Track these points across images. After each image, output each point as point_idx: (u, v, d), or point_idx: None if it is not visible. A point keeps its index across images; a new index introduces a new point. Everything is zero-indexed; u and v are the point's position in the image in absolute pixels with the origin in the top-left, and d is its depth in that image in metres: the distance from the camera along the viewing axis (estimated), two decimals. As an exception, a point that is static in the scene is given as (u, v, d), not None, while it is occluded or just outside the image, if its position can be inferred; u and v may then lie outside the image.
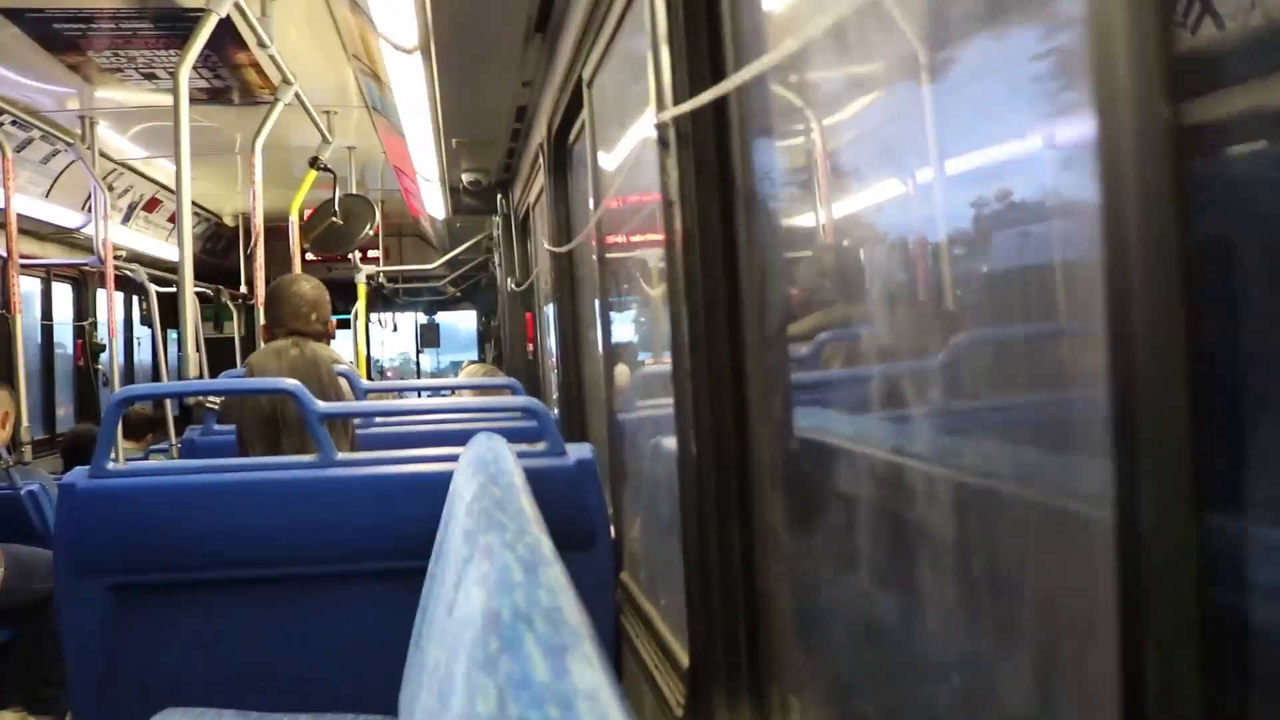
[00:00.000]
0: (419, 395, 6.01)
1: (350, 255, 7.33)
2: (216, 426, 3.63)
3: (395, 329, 12.92)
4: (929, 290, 1.22)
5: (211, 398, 3.56)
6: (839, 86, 1.42)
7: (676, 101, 1.65)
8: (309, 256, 6.75)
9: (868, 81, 1.35)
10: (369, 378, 9.28)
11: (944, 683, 1.15)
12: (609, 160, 2.74)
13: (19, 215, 5.18)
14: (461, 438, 2.32)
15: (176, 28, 4.38)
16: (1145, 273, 0.68)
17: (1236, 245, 0.75)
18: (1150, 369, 0.68)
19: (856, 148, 1.44)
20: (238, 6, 3.52)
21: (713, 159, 1.64)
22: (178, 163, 3.42)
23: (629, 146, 2.47)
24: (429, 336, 12.77)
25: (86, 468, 2.35)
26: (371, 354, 11.15)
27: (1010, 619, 1.02)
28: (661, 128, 1.71)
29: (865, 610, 1.36)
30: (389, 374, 12.91)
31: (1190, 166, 0.68)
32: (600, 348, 3.02)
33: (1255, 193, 0.75)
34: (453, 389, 5.00)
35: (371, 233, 6.33)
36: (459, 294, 12.01)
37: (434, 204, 6.96)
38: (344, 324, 9.89)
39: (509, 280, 6.21)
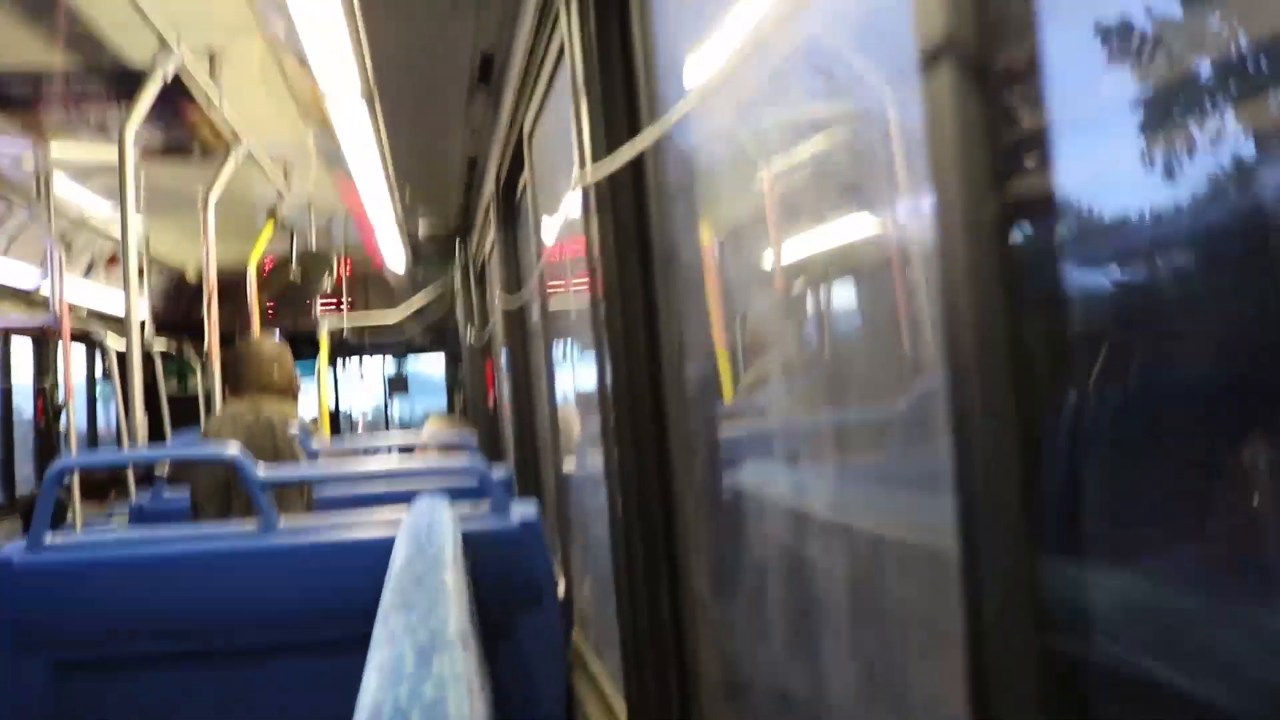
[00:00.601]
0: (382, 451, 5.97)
1: (312, 309, 7.30)
2: (165, 494, 3.58)
3: (362, 377, 12.82)
4: (812, 354, 1.23)
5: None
6: (737, 153, 1.43)
7: (596, 158, 1.66)
8: (269, 311, 6.72)
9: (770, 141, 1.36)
10: (334, 430, 9.21)
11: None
12: (548, 214, 2.74)
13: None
14: (414, 501, 2.30)
15: (126, 85, 4.37)
16: (977, 332, 0.70)
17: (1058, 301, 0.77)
18: (984, 421, 0.70)
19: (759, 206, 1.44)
20: (184, 67, 3.52)
21: (631, 219, 1.64)
22: (124, 220, 3.41)
23: (563, 201, 2.47)
24: (397, 385, 12.67)
25: (22, 542, 2.31)
26: (340, 405, 11.10)
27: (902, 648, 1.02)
28: (585, 190, 1.71)
29: (784, 669, 1.35)
30: (359, 426, 12.78)
31: (1012, 240, 0.70)
32: (546, 401, 3.01)
33: (1070, 263, 0.77)
34: (407, 449, 4.98)
35: (329, 288, 6.31)
36: (427, 342, 11.96)
37: (394, 256, 6.95)
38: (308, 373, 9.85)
39: (469, 330, 6.20)
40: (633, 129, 1.64)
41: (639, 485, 1.64)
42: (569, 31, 1.79)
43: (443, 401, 12.72)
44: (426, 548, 1.61)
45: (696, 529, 1.58)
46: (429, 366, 13.45)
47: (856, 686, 1.14)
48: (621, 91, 1.66)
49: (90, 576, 2.29)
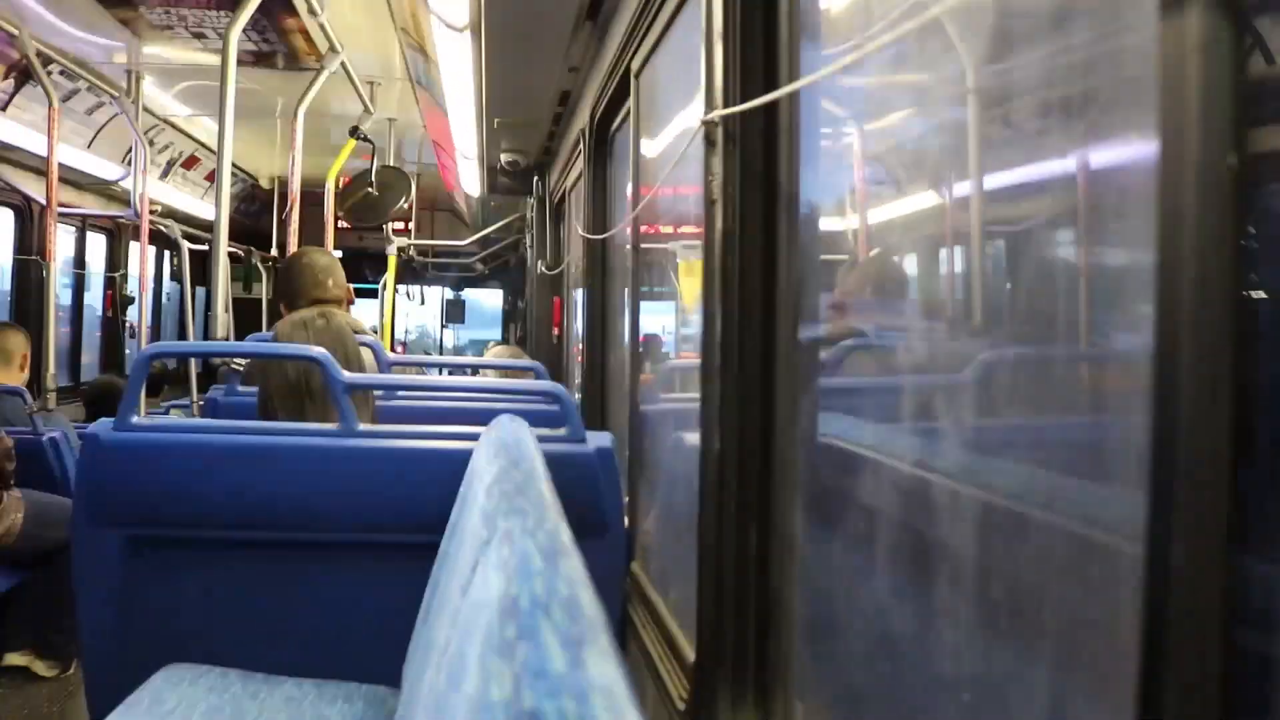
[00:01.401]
0: (441, 372, 6.03)
1: (382, 226, 7.35)
2: (240, 388, 3.64)
3: (423, 302, 12.95)
4: (964, 305, 1.22)
5: (237, 360, 3.58)
6: (888, 99, 1.42)
7: (727, 102, 1.65)
8: (341, 224, 6.78)
9: (918, 96, 1.35)
10: (391, 349, 9.31)
11: (955, 700, 1.15)
12: (652, 152, 2.73)
13: (60, 164, 5.22)
14: (482, 417, 2.33)
15: (227, -11, 4.42)
16: (1195, 306, 0.68)
17: None
18: (1193, 406, 0.68)
19: (900, 159, 1.43)
20: (291, -29, 3.53)
21: (759, 161, 1.64)
22: (221, 125, 3.44)
23: (672, 141, 2.46)
24: (454, 313, 12.78)
25: (111, 420, 2.37)
26: (396, 326, 11.20)
27: (1027, 641, 1.02)
28: (710, 126, 1.71)
29: (879, 623, 1.36)
30: (399, 349, 12.92)
31: (1249, 207, 0.68)
32: (627, 338, 3.02)
33: None
34: (477, 368, 5.01)
35: (406, 206, 6.34)
36: (487, 272, 12.04)
37: (470, 181, 6.97)
38: (371, 293, 9.95)
39: (539, 263, 6.22)
40: (769, 67, 1.63)
41: (740, 425, 1.65)
42: (706, -33, 1.77)
43: (495, 333, 12.81)
44: (520, 461, 1.64)
45: (793, 473, 1.60)
46: (483, 298, 13.54)
47: (960, 651, 1.15)
48: (760, 28, 1.65)
49: (172, 458, 2.35)
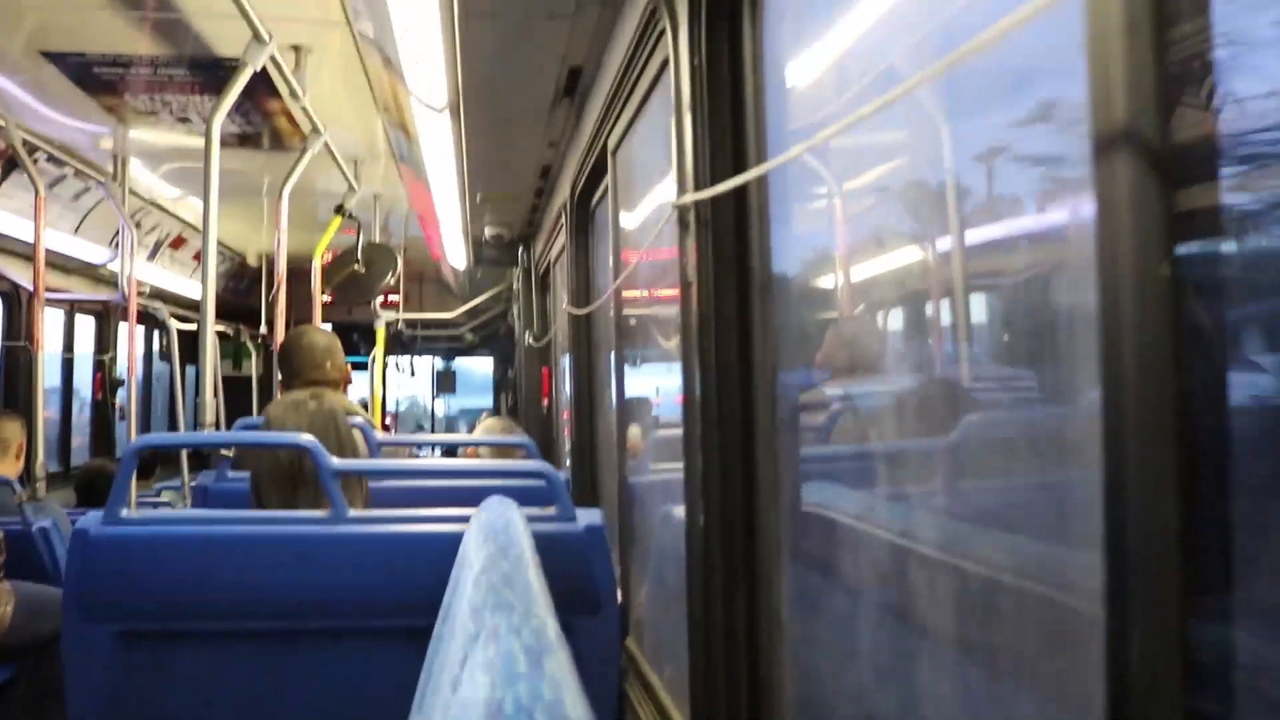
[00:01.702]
0: (433, 450, 6.04)
1: (370, 300, 7.39)
2: (230, 473, 3.64)
3: (413, 374, 12.95)
4: (934, 384, 1.24)
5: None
6: (860, 164, 1.45)
7: (698, 184, 1.68)
8: (328, 300, 6.81)
9: (889, 159, 1.38)
10: (383, 424, 9.29)
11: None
12: (630, 225, 2.77)
13: (47, 250, 5.25)
14: (475, 495, 2.33)
15: (212, 75, 4.47)
16: (1139, 365, 0.70)
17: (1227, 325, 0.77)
18: (1141, 469, 0.70)
19: (872, 225, 1.46)
20: (273, 59, 3.58)
21: (731, 243, 1.67)
22: (206, 206, 3.47)
23: (650, 213, 2.50)
24: (445, 383, 12.79)
25: (100, 513, 2.36)
26: (386, 399, 11.19)
27: (1008, 707, 1.03)
28: (683, 210, 1.74)
29: (867, 696, 1.36)
30: (390, 421, 12.87)
31: (1185, 257, 0.70)
32: (613, 410, 3.03)
33: (1247, 282, 0.78)
34: (466, 445, 5.02)
35: (393, 281, 6.38)
36: (477, 341, 12.07)
37: (456, 254, 7.02)
38: (361, 366, 9.96)
39: (527, 333, 6.25)
40: (738, 149, 1.67)
41: (722, 498, 1.67)
42: (675, 49, 1.81)
43: (487, 402, 12.80)
44: (508, 548, 1.64)
45: (779, 546, 1.61)
46: (474, 368, 13.55)
47: (943, 714, 1.16)
48: (728, 111, 1.69)
49: (163, 551, 2.35)
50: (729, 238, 1.66)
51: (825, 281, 1.62)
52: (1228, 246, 0.72)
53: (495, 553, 1.61)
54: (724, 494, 1.69)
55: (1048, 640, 0.98)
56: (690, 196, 1.68)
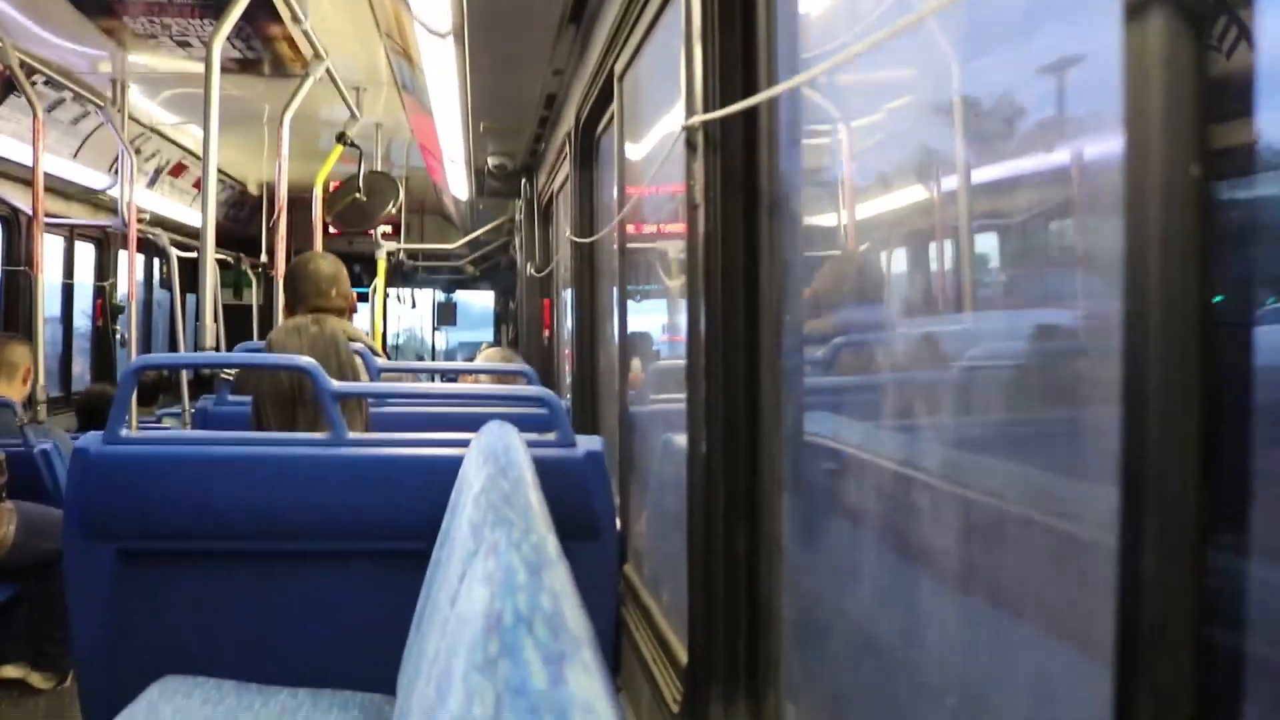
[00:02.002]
0: (433, 378, 6.04)
1: (371, 230, 7.35)
2: (231, 397, 3.64)
3: (414, 306, 12.92)
4: (946, 305, 1.23)
5: (227, 369, 3.57)
6: (869, 99, 1.42)
7: (707, 106, 1.66)
8: (330, 229, 6.76)
9: (898, 95, 1.36)
10: (385, 354, 9.28)
11: (942, 701, 1.16)
12: (636, 154, 2.74)
13: (46, 174, 5.21)
14: (474, 422, 2.33)
15: (210, -1, 4.41)
16: (1164, 296, 0.68)
17: (1255, 271, 0.76)
18: (1163, 398, 0.69)
19: (881, 159, 1.44)
20: (275, -20, 3.53)
21: (739, 165, 1.65)
22: (206, 133, 3.43)
23: (656, 143, 2.47)
24: (445, 315, 12.77)
25: (100, 432, 2.37)
26: (388, 333, 11.17)
27: (1009, 636, 1.03)
28: (690, 131, 1.71)
29: (866, 624, 1.37)
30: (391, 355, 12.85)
31: (1215, 193, 0.69)
32: (616, 339, 3.02)
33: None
34: (467, 372, 5.01)
35: (394, 210, 6.34)
36: (478, 274, 12.02)
37: (458, 185, 6.96)
38: (362, 298, 9.93)
39: (529, 265, 6.22)
40: (748, 71, 1.64)
41: (725, 427, 1.66)
42: (684, -31, 1.78)
43: (487, 335, 12.80)
44: (508, 469, 1.64)
45: (780, 473, 1.60)
46: (475, 300, 13.52)
47: (943, 644, 1.16)
48: (739, 32, 1.66)
49: (162, 470, 2.35)
50: (737, 160, 1.64)
51: (831, 211, 1.60)
52: (1263, 146, 0.70)
53: (495, 473, 1.61)
54: (727, 421, 1.69)
55: (1053, 566, 0.98)
56: (699, 118, 1.65)
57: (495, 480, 1.55)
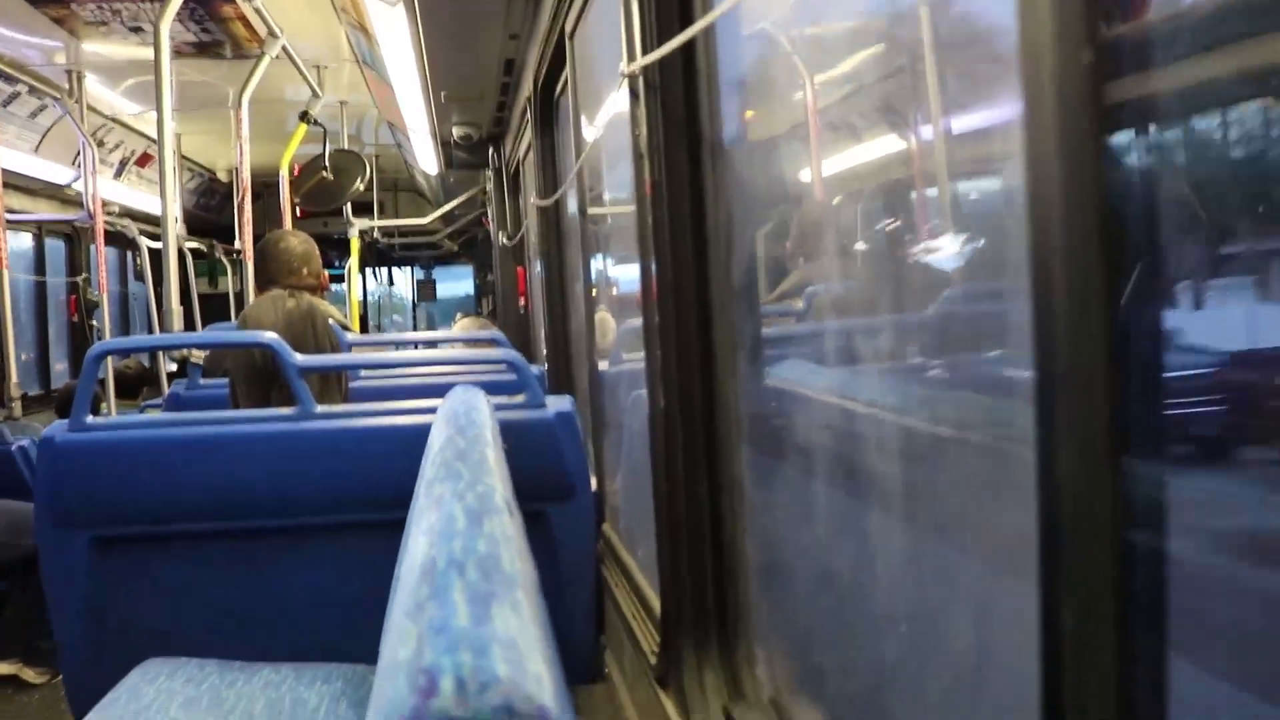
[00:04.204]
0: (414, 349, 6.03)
1: (343, 210, 7.30)
2: (202, 380, 3.63)
3: (391, 284, 12.87)
4: (883, 255, 1.23)
5: (197, 352, 3.56)
6: (805, 43, 1.41)
7: (645, 49, 1.64)
8: (300, 211, 6.72)
9: (831, 41, 1.34)
10: (363, 331, 9.26)
11: (893, 630, 1.16)
12: (590, 113, 2.72)
13: (6, 170, 5.15)
14: (449, 390, 2.32)
15: (160, -20, 4.35)
16: (1066, 240, 0.69)
17: (1152, 212, 0.76)
18: (1071, 332, 0.69)
19: (823, 105, 1.43)
20: (220, -42, 3.48)
21: (681, 109, 1.63)
22: (159, 117, 3.41)
23: (608, 99, 2.45)
24: (425, 291, 12.73)
25: (66, 421, 2.35)
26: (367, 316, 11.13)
27: (951, 563, 1.03)
28: (631, 78, 1.70)
29: (823, 562, 1.37)
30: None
31: (1111, 143, 0.69)
32: (583, 301, 3.01)
33: (1171, 169, 0.76)
34: (439, 342, 5.00)
35: (362, 187, 6.30)
36: (456, 249, 11.97)
37: (426, 159, 6.92)
38: (337, 278, 9.89)
39: (501, 234, 6.20)
40: (685, 16, 1.62)
41: (680, 378, 1.65)
42: (618, -82, 1.75)
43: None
44: (466, 429, 1.64)
45: (737, 422, 1.60)
46: (456, 277, 13.46)
47: (898, 574, 1.16)
48: (674, -22, 1.64)
49: (129, 456, 2.34)
50: (678, 103, 1.62)
51: (773, 149, 1.59)
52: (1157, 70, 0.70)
53: (454, 433, 1.61)
54: (683, 374, 1.68)
55: (991, 490, 0.98)
56: (638, 63, 1.64)
57: (453, 439, 1.55)
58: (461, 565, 0.83)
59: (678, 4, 1.64)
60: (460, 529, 0.95)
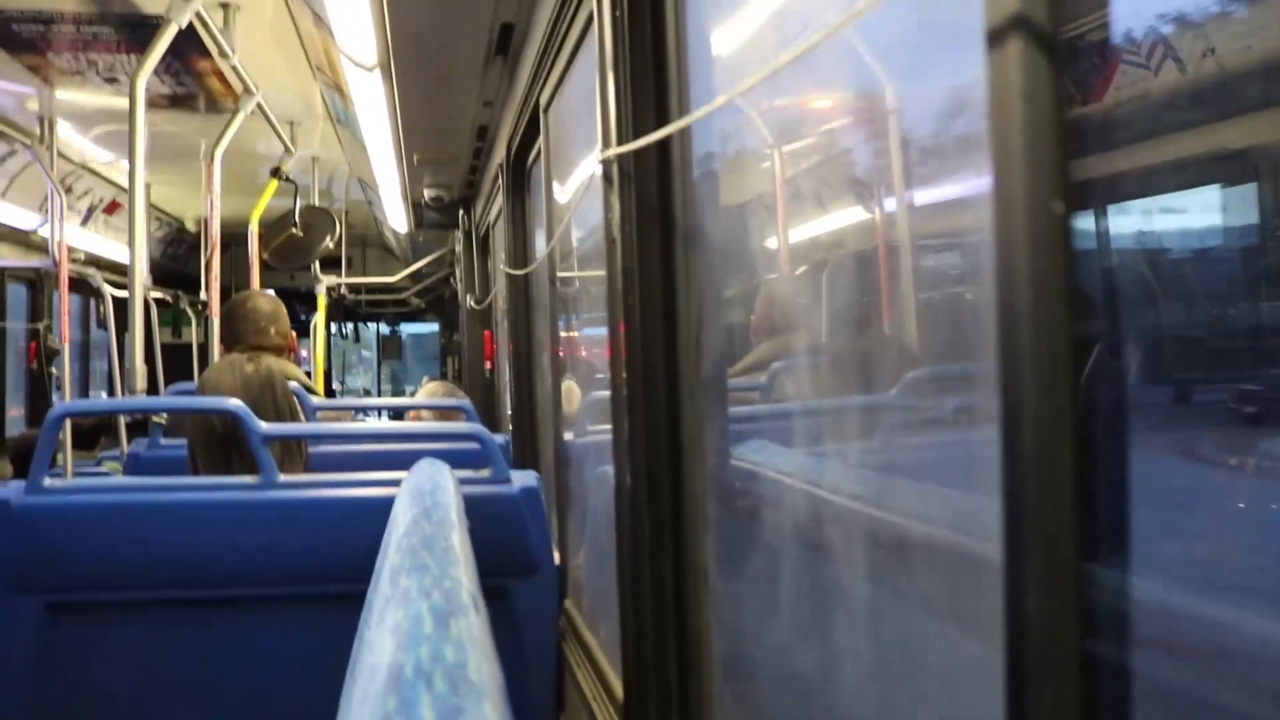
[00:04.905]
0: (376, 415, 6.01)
1: (311, 266, 7.28)
2: (163, 441, 3.58)
3: (357, 340, 12.78)
4: (846, 332, 1.24)
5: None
6: (781, 126, 1.44)
7: (621, 138, 1.66)
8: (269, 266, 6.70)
9: (800, 115, 1.37)
10: (328, 392, 9.19)
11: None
12: (563, 187, 2.74)
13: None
14: (412, 460, 2.31)
15: (138, 33, 4.35)
16: (1033, 316, 0.70)
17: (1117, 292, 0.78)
18: (1037, 416, 0.70)
19: (790, 197, 1.45)
20: (199, 17, 3.50)
21: (654, 198, 1.65)
22: (132, 167, 3.40)
23: (582, 175, 2.47)
24: (390, 349, 12.64)
25: (23, 483, 2.31)
26: (332, 373, 11.05)
27: (920, 659, 1.03)
28: (606, 164, 1.72)
29: (790, 654, 1.37)
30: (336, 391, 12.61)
31: (1077, 219, 0.70)
32: (549, 371, 3.02)
33: (1136, 252, 0.78)
34: (405, 409, 4.98)
35: (331, 245, 6.29)
36: (423, 306, 11.94)
37: (396, 217, 6.93)
38: (304, 332, 9.84)
39: (469, 296, 6.20)
40: (660, 104, 1.64)
41: (648, 458, 1.66)
42: (598, 3, 1.78)
43: (434, 369, 12.70)
44: (432, 510, 1.63)
45: (704, 504, 1.60)
46: (422, 335, 13.41)
47: (866, 671, 1.16)
48: (650, 66, 1.67)
49: (87, 521, 2.30)
50: (652, 192, 1.64)
51: (746, 238, 1.61)
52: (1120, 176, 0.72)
53: (420, 514, 1.59)
54: (650, 455, 1.68)
55: (959, 587, 0.98)
56: (614, 150, 1.66)
57: (419, 522, 1.54)
58: (429, 676, 0.82)
59: (654, 94, 1.67)
60: (427, 633, 0.94)
